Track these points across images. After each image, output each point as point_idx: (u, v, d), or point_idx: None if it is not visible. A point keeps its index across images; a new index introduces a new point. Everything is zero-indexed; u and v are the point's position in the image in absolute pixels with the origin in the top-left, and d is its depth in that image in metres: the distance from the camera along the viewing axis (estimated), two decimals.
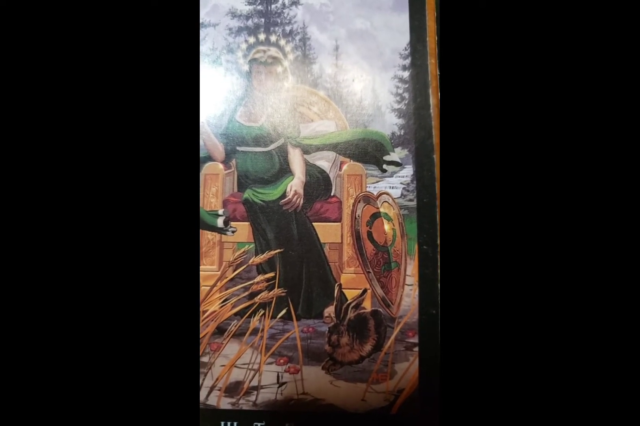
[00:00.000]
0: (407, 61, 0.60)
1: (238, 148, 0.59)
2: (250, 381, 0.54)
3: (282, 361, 0.54)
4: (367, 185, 0.58)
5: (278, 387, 0.54)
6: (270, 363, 0.54)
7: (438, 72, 0.60)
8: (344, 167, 0.59)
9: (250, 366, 0.54)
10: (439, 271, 0.55)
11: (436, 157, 0.57)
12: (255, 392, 0.54)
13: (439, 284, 0.55)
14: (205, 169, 0.59)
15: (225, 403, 0.54)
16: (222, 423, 0.53)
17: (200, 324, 0.55)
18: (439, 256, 0.55)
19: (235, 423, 0.53)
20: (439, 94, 0.59)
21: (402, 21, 0.61)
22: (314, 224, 0.57)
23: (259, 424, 0.53)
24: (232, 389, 0.54)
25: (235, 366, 0.54)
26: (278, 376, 0.54)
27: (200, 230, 0.58)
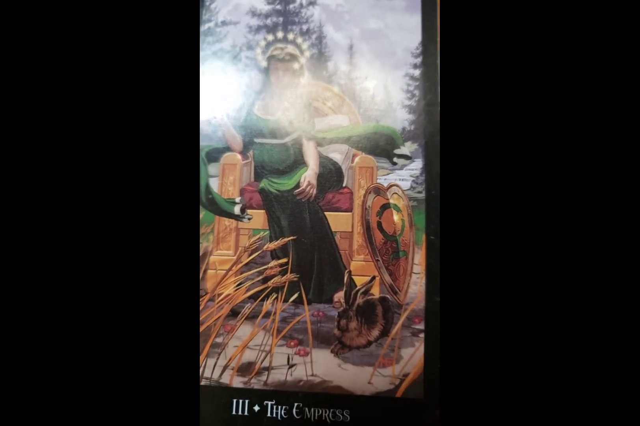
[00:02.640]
0: (418, 60, 0.62)
1: (255, 140, 0.62)
2: (261, 362, 0.56)
3: (292, 343, 0.57)
4: (378, 177, 0.60)
5: (288, 368, 0.56)
6: (281, 345, 0.57)
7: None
8: (356, 159, 0.61)
9: (262, 348, 0.57)
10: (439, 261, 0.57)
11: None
12: (266, 372, 0.56)
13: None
14: (224, 159, 0.62)
15: (238, 382, 0.56)
16: (234, 400, 0.55)
17: (216, 306, 0.58)
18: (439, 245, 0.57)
19: (246, 401, 0.55)
20: (440, 91, 0.61)
21: (414, 21, 0.64)
22: (326, 213, 0.60)
23: (269, 403, 0.55)
24: (245, 369, 0.56)
25: (247, 347, 0.57)
26: (288, 358, 0.56)
27: (218, 217, 0.61)
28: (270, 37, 0.64)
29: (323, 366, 0.56)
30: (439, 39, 0.63)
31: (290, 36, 0.64)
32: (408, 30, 0.64)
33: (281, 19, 0.65)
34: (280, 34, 0.65)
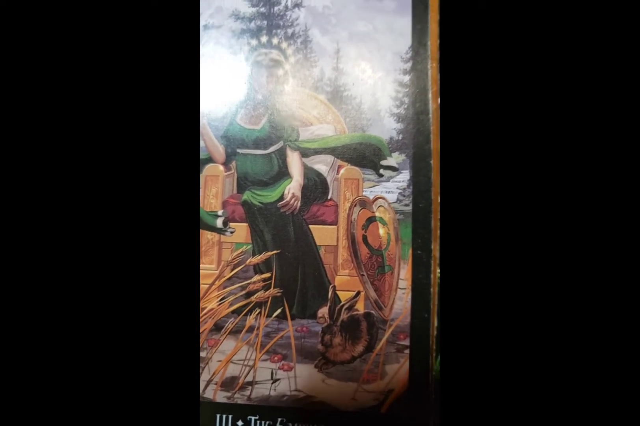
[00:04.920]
0: (408, 65, 0.60)
1: (238, 150, 0.61)
2: (245, 377, 0.56)
3: (276, 358, 0.56)
4: (364, 189, 0.59)
5: (272, 383, 0.56)
6: (265, 360, 0.56)
7: (439, 77, 0.60)
8: (342, 171, 0.60)
9: (245, 363, 0.56)
10: (431, 276, 0.56)
11: (433, 162, 0.57)
12: (250, 387, 0.56)
13: (432, 289, 0.56)
14: (206, 171, 0.60)
15: (221, 397, 0.56)
16: (218, 415, 0.55)
17: (199, 320, 0.57)
18: (432, 261, 0.56)
19: (230, 416, 0.55)
20: (439, 98, 0.59)
21: (404, 24, 0.61)
22: (310, 226, 0.58)
23: (252, 418, 0.55)
24: (228, 383, 0.56)
25: (231, 362, 0.57)
26: (272, 373, 0.56)
27: (200, 230, 0.60)
28: (254, 42, 0.62)
29: (307, 381, 0.56)
30: (429, 42, 0.61)
31: (275, 41, 0.62)
32: (398, 33, 0.61)
33: (265, 22, 0.63)
34: (264, 39, 0.62)
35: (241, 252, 0.58)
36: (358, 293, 0.56)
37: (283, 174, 0.60)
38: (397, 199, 0.58)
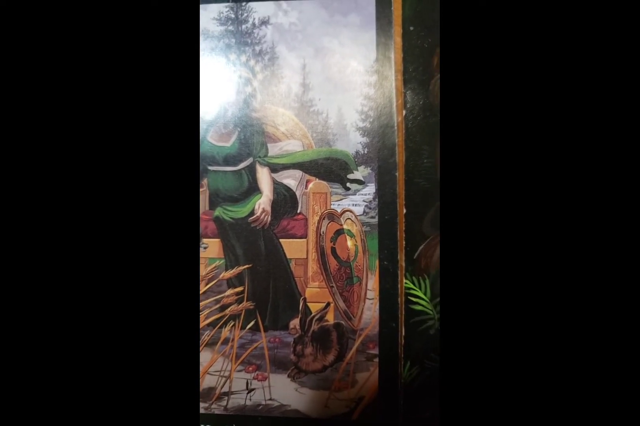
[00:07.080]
0: (373, 78, 0.61)
1: (209, 168, 0.62)
2: (221, 387, 0.58)
3: (251, 369, 0.58)
4: (332, 202, 0.60)
5: (247, 393, 0.58)
6: (240, 371, 0.58)
7: (403, 89, 0.61)
8: (310, 185, 0.61)
9: (221, 374, 0.58)
10: (398, 286, 0.57)
11: (398, 174, 0.59)
12: (226, 397, 0.58)
13: (398, 299, 0.57)
14: None
15: (199, 408, 0.58)
16: None
17: None
18: (398, 271, 0.57)
19: None
20: (404, 111, 0.60)
21: (368, 38, 0.62)
22: (280, 240, 0.60)
23: None
24: (205, 394, 0.58)
25: (208, 373, 0.59)
26: (247, 383, 0.58)
27: None
28: (222, 60, 0.63)
29: (281, 390, 0.58)
30: (394, 55, 0.62)
31: (243, 58, 0.63)
32: (362, 47, 0.62)
33: (233, 40, 0.64)
34: (233, 56, 0.64)
35: (214, 267, 0.60)
36: (328, 304, 0.58)
37: (253, 189, 0.61)
38: (364, 212, 0.59)
